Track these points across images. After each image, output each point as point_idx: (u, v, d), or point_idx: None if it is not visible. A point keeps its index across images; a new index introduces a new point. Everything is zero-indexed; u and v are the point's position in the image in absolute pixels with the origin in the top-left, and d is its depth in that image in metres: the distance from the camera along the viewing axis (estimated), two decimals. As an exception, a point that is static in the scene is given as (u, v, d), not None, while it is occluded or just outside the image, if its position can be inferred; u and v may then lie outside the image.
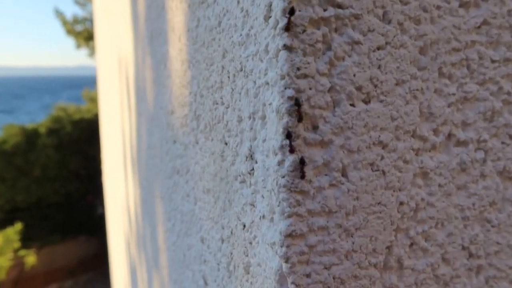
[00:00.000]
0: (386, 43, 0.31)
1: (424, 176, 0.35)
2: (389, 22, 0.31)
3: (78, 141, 11.19)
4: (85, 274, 10.57)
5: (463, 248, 0.38)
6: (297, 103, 0.29)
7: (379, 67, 0.31)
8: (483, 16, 0.34)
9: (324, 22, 0.29)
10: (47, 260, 10.20)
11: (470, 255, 0.39)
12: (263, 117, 0.34)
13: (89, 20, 12.37)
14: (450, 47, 0.33)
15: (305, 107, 0.30)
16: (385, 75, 0.31)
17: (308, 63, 0.29)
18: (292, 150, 0.30)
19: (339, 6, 0.29)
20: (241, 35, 0.38)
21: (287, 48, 0.29)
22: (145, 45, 1.11)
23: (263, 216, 0.35)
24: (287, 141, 0.30)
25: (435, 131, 0.34)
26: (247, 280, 0.41)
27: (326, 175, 0.31)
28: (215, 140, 0.49)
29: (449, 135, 0.35)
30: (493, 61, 0.36)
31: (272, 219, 0.33)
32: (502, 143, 0.38)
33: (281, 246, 0.31)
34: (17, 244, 8.84)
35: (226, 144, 0.45)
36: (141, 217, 1.56)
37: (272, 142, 0.32)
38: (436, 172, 0.35)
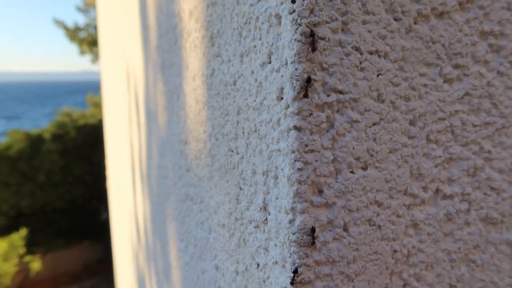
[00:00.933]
0: (380, 119, 0.37)
1: (415, 227, 0.41)
2: (383, 101, 0.36)
3: (83, 146, 11.27)
4: (89, 280, 10.62)
5: (451, 286, 0.44)
6: (306, 173, 0.35)
7: (374, 139, 0.37)
8: (465, 89, 0.40)
9: (327, 105, 0.35)
10: (52, 265, 10.27)
11: (457, 292, 0.44)
12: (276, 177, 0.40)
13: (92, 26, 12.48)
14: (436, 117, 0.39)
15: (312, 176, 0.35)
16: (379, 145, 0.37)
17: (315, 140, 0.35)
18: (303, 211, 0.35)
19: (340, 92, 0.35)
20: (255, 101, 0.43)
21: (297, 128, 0.34)
22: (157, 71, 1.17)
23: (276, 262, 0.40)
24: (298, 205, 0.35)
25: (424, 188, 0.40)
26: (261, 313, 0.46)
27: (330, 230, 0.37)
28: (230, 183, 0.55)
29: (437, 191, 0.41)
30: (474, 126, 0.41)
31: (284, 266, 0.39)
32: (485, 194, 0.44)
33: (292, 292, 0.37)
34: (22, 250, 8.91)
35: (241, 189, 0.51)
36: (151, 231, 1.61)
37: (284, 202, 0.37)
38: (425, 222, 0.41)
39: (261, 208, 0.43)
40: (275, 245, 0.40)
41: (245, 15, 0.45)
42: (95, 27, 11.20)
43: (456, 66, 0.39)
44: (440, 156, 0.40)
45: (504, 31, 0.40)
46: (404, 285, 0.41)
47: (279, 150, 0.38)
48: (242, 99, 0.47)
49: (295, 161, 0.35)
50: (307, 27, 0.33)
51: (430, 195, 0.40)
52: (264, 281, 0.45)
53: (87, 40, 12.10)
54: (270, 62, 0.39)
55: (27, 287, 9.97)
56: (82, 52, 12.24)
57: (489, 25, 0.39)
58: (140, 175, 1.83)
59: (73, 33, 11.93)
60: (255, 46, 0.43)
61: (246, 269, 0.50)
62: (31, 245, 9.69)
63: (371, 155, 0.37)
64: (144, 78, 1.43)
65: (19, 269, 9.37)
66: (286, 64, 0.35)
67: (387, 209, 0.38)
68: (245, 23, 0.45)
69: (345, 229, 0.37)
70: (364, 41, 0.35)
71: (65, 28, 11.90)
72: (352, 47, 0.34)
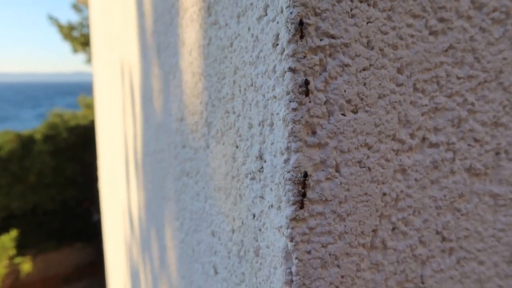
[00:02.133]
0: (370, 65, 0.39)
1: (403, 172, 0.43)
2: (372, 48, 0.39)
3: (74, 147, 11.19)
4: (80, 282, 10.51)
5: (437, 232, 0.46)
6: (301, 112, 0.37)
7: (364, 84, 0.39)
8: (449, 42, 0.42)
9: (320, 49, 0.37)
10: (43, 267, 10.15)
11: (443, 239, 0.47)
12: (271, 124, 0.42)
13: (85, 26, 12.41)
14: (422, 67, 0.41)
15: (305, 117, 0.37)
16: (369, 90, 0.39)
17: (309, 82, 0.37)
18: (298, 150, 0.37)
19: (332, 37, 0.37)
20: (251, 56, 0.45)
21: (292, 70, 0.36)
22: (152, 56, 1.18)
23: (272, 206, 0.42)
24: (293, 144, 0.38)
25: (411, 135, 0.42)
26: (257, 262, 0.48)
27: (323, 170, 0.39)
28: (226, 144, 0.57)
29: (423, 139, 0.43)
30: (458, 78, 0.44)
31: (279, 207, 0.41)
32: (468, 145, 0.46)
33: (287, 228, 0.39)
34: (12, 252, 8.81)
35: (237, 147, 0.53)
36: (145, 219, 1.62)
37: (279, 144, 0.40)
38: (412, 168, 0.43)
39: (257, 158, 0.45)
40: (271, 189, 0.42)
41: (242, -25, 0.47)
42: (88, 26, 11.15)
43: (441, 20, 0.41)
44: (426, 105, 0.42)
45: (486, -12, 0.43)
46: (393, 228, 0.44)
47: (275, 97, 0.40)
48: (239, 58, 0.49)
49: (290, 101, 0.37)
50: (301, -27, 0.35)
51: (417, 142, 0.43)
52: (260, 230, 0.47)
53: (80, 39, 12.04)
54: (266, 15, 0.41)
55: (17, 289, 9.82)
56: (76, 51, 12.16)
57: (471, -18, 0.42)
58: (134, 165, 1.83)
59: (67, 31, 11.87)
60: (251, 4, 0.45)
61: (242, 223, 0.52)
62: (22, 247, 9.58)
63: (361, 99, 0.39)
64: (139, 67, 1.45)
65: (9, 271, 9.25)
66: (282, 11, 0.37)
67: (377, 152, 0.41)
68: (242, -17, 0.47)
69: (337, 170, 0.40)
70: (354, -11, 0.37)
71: (59, 26, 11.83)
72: (343, -6, 0.37)
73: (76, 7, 12.32)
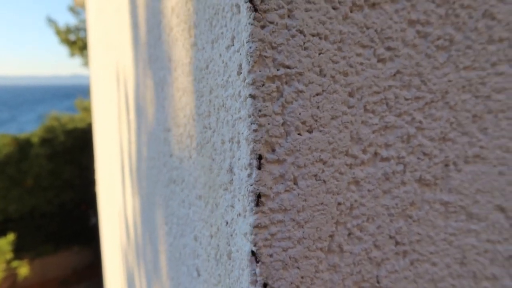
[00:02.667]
0: (323, 90, 0.44)
1: (356, 183, 0.48)
2: (324, 76, 0.44)
3: (72, 150, 11.20)
4: (78, 285, 10.52)
5: (390, 237, 0.51)
6: (261, 133, 0.42)
7: (318, 107, 0.44)
8: (396, 68, 0.48)
9: (277, 78, 0.42)
10: (40, 271, 10.16)
11: (397, 243, 0.52)
12: (238, 142, 0.47)
13: (82, 29, 12.44)
14: (372, 90, 0.47)
15: (265, 137, 0.43)
16: (322, 112, 0.44)
17: (267, 106, 0.42)
18: (259, 167, 0.43)
19: (288, 67, 0.42)
20: (222, 79, 0.51)
21: (252, 96, 0.42)
22: (144, 66, 1.24)
23: (239, 214, 0.48)
24: (254, 161, 0.43)
25: (363, 151, 0.48)
26: (229, 264, 0.53)
27: (282, 183, 0.44)
28: (205, 156, 0.62)
29: (375, 153, 0.49)
30: (406, 99, 0.49)
31: (245, 216, 0.46)
32: (418, 158, 0.51)
33: (251, 234, 0.44)
34: (9, 255, 8.82)
35: (213, 160, 0.58)
36: (140, 224, 1.67)
37: (244, 160, 0.45)
38: (365, 180, 0.48)
39: (227, 171, 0.51)
40: (238, 199, 0.48)
41: (214, 7, 0.52)
42: (85, 30, 11.20)
43: (388, 48, 0.47)
44: (376, 124, 0.48)
45: (430, 20, 0.48)
46: (349, 234, 0.49)
47: (240, 118, 0.45)
48: (213, 80, 0.54)
49: (251, 123, 0.42)
50: (259, 13, 0.40)
51: (369, 156, 0.48)
52: (231, 235, 0.52)
53: (77, 43, 12.07)
54: (233, 45, 0.47)
55: (15, 292, 9.82)
56: (73, 54, 12.19)
57: (416, 15, 0.48)
58: (129, 171, 1.88)
59: (64, 36, 11.89)
60: (222, 33, 0.50)
61: (218, 229, 0.57)
62: (19, 250, 9.58)
63: (316, 120, 0.44)
64: (133, 75, 1.50)
65: (7, 274, 9.24)
66: (243, 44, 0.43)
67: (331, 166, 0.46)
68: (214, 14, 0.52)
69: (295, 182, 0.45)
70: (306, 25, 0.42)
71: (57, 30, 11.85)
72: (296, 30, 0.42)
73: (73, 10, 12.34)
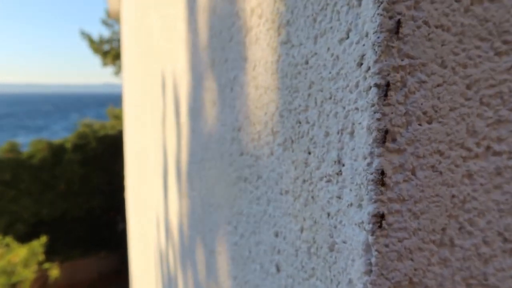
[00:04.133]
0: (443, 81, 0.45)
1: (469, 177, 0.48)
2: (445, 67, 0.44)
3: (102, 157, 11.50)
4: (104, 289, 10.67)
5: (499, 233, 0.51)
6: (384, 125, 0.43)
7: (438, 98, 0.44)
8: (511, 61, 0.48)
9: (401, 68, 0.43)
10: (69, 274, 10.38)
11: (505, 240, 0.51)
12: (351, 132, 0.48)
13: (115, 40, 12.86)
14: (488, 84, 0.47)
15: (388, 126, 0.43)
16: (442, 103, 0.45)
17: (391, 96, 0.43)
18: (380, 155, 0.43)
19: (412, 58, 0.43)
20: (330, 72, 0.52)
21: (377, 86, 0.43)
22: (204, 69, 1.27)
23: (350, 204, 0.48)
24: (376, 149, 0.43)
25: (477, 144, 0.47)
26: (330, 256, 0.54)
27: (401, 173, 0.45)
28: (297, 151, 0.63)
29: (488, 147, 0.48)
30: (519, 93, 0.49)
31: (360, 205, 0.46)
32: (528, 154, 0.51)
33: (369, 223, 0.45)
34: (41, 257, 9.08)
35: (309, 153, 0.59)
36: (187, 227, 1.69)
37: (361, 150, 0.45)
38: (478, 174, 0.48)
39: (335, 162, 0.51)
40: (350, 190, 0.48)
41: (321, 3, 0.54)
42: (118, 40, 11.57)
43: (505, 42, 0.47)
44: (491, 117, 0.48)
45: (545, 14, 0.48)
46: (460, 228, 0.49)
47: (357, 108, 0.46)
48: (316, 74, 0.56)
49: (375, 112, 0.43)
50: (387, 4, 0.41)
51: (482, 150, 0.48)
52: (335, 227, 0.52)
53: (110, 52, 12.48)
54: (348, 37, 0.48)
55: (44, 294, 10.06)
56: (105, 64, 12.61)
57: (532, 9, 0.47)
58: (176, 175, 1.92)
59: (97, 46, 12.33)
60: (331, 27, 0.51)
61: (315, 222, 0.58)
62: (50, 253, 9.83)
63: (435, 111, 0.45)
64: (187, 80, 1.54)
65: (38, 275, 9.49)
66: (367, 35, 0.44)
67: (447, 158, 0.46)
68: (320, 9, 0.54)
69: (413, 173, 0.45)
70: (431, 16, 0.43)
71: (90, 40, 12.30)
72: (422, 21, 0.43)
73: (106, 22, 12.81)
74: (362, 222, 0.46)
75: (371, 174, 0.44)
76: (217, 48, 1.11)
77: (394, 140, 0.44)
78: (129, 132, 5.16)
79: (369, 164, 0.44)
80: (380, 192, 0.44)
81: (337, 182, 0.51)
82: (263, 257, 0.81)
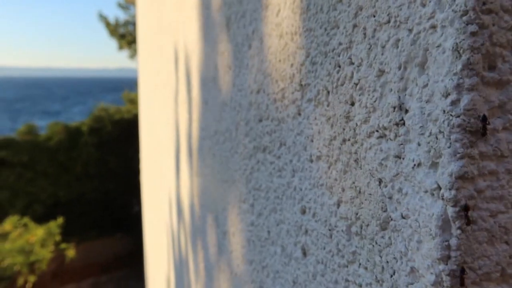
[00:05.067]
0: None
1: None
2: None
3: (118, 140, 11.55)
4: (119, 271, 10.84)
5: None
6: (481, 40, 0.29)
7: (561, 6, 0.30)
8: None
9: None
10: (84, 255, 10.55)
11: None
12: (423, 63, 0.34)
13: (131, 23, 12.79)
14: None
15: (486, 44, 0.29)
16: None
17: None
18: (472, 88, 0.29)
19: None
20: None
21: (474, -18, 0.28)
22: (218, 32, 1.13)
23: (418, 164, 0.34)
24: (466, 80, 0.29)
25: None
26: (382, 237, 0.40)
27: (500, 117, 0.31)
28: (334, 104, 0.49)
29: None
30: None
31: (434, 164, 0.33)
32: None
33: (450, 189, 0.31)
34: (58, 238, 9.22)
35: (353, 104, 0.45)
36: (199, 206, 1.58)
37: (441, 84, 0.31)
38: None
39: (394, 108, 0.37)
40: (418, 144, 0.34)
41: None
42: (134, 24, 11.49)
43: None
44: None
45: None
46: None
47: (433, 27, 0.32)
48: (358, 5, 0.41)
49: (467, 24, 0.29)
50: None
51: None
52: (390, 197, 0.39)
53: (126, 36, 12.44)
54: None
55: (61, 274, 10.29)
56: (121, 47, 12.58)
57: None
58: (187, 152, 1.80)
59: (113, 28, 12.29)
60: None
61: (359, 192, 0.44)
62: (66, 234, 9.99)
63: (556, 26, 0.30)
64: (199, 48, 1.40)
65: (55, 255, 9.66)
66: None
67: None
68: None
69: (518, 117, 0.31)
70: None
71: (107, 23, 12.27)
72: None
73: (123, 6, 12.73)
74: (438, 188, 0.32)
75: (457, 116, 0.30)
76: (233, 3, 0.97)
77: (493, 68, 0.30)
78: (144, 115, 5.07)
79: (453, 103, 0.30)
80: (470, 143, 0.30)
81: (396, 136, 0.37)
82: (286, 238, 0.68)
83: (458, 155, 0.30)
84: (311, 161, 0.56)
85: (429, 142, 0.33)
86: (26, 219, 9.13)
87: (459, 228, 0.31)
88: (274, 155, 0.72)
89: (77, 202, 11.15)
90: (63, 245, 9.49)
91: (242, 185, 0.94)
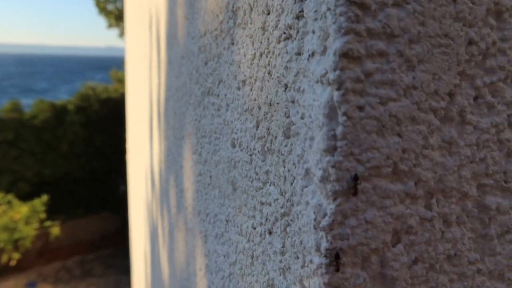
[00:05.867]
0: None
1: (498, 15, 0.31)
2: None
3: (105, 119, 11.42)
4: (106, 249, 10.86)
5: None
6: None
7: None
8: None
9: None
10: (71, 233, 10.53)
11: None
12: None
13: (120, 0, 12.51)
14: None
15: None
16: None
17: None
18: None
19: None
20: None
21: None
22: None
23: (313, 54, 0.32)
24: None
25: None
26: (286, 145, 0.38)
27: (389, -9, 0.28)
28: (255, 19, 0.46)
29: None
30: None
31: (324, 48, 0.30)
32: None
33: (335, 70, 0.28)
34: (43, 215, 9.16)
35: (268, 13, 0.42)
36: (165, 170, 1.55)
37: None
38: (511, 12, 0.31)
39: (295, 1, 0.34)
40: (313, 31, 0.32)
41: None
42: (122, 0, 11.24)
43: None
44: None
45: None
46: (476, 97, 0.32)
47: None
48: None
49: None
50: None
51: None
52: (293, 101, 0.36)
53: (114, 13, 12.17)
54: None
55: (47, 252, 10.28)
56: (110, 25, 12.33)
57: None
58: (157, 120, 1.77)
59: (103, 6, 12.02)
60: None
61: (270, 104, 0.41)
62: (52, 212, 9.93)
63: None
64: (165, 8, 1.35)
65: (40, 233, 9.62)
66: None
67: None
68: None
69: (410, -8, 0.28)
70: None
71: (97, 0, 11.99)
72: None
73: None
74: (326, 73, 0.29)
75: (341, -14, 0.27)
76: None
77: None
78: (130, 93, 4.99)
79: (338, -27, 0.27)
80: (355, 17, 0.27)
81: (298, 32, 0.34)
82: (221, 178, 0.65)
83: (342, 31, 0.28)
84: (239, 88, 0.53)
85: (320, 26, 0.30)
86: (10, 197, 9.04)
87: (345, 114, 0.29)
88: (215, 94, 0.69)
89: (63, 180, 11.06)
90: (47, 223, 9.45)
91: (193, 136, 0.92)
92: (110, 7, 12.89)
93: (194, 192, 0.91)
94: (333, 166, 0.29)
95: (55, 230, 9.46)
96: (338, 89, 0.28)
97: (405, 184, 0.31)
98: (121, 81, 12.08)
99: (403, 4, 0.28)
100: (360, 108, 0.29)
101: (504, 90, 0.33)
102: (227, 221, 0.62)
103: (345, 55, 0.28)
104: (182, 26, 1.05)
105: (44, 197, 9.29)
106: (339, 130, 0.29)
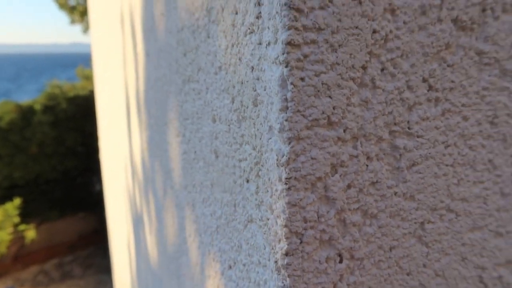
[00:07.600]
0: None
1: (392, 12, 0.45)
2: None
3: (74, 118, 11.18)
4: (84, 250, 10.76)
5: (424, 80, 0.49)
6: None
7: None
8: None
9: None
10: (47, 236, 10.35)
11: (430, 87, 0.50)
12: (269, -36, 0.44)
13: (82, -5, 12.16)
14: None
15: None
16: None
17: None
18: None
19: None
20: None
21: None
22: (152, -17, 1.19)
23: (269, 43, 0.45)
24: (288, -32, 0.40)
25: (401, -24, 0.45)
26: (255, 111, 0.51)
27: (316, -1, 0.42)
28: (226, 17, 0.59)
29: (412, -18, 0.46)
30: None
31: (276, 39, 0.44)
32: (456, -4, 0.48)
33: (283, 54, 0.42)
34: (16, 219, 8.97)
35: (236, 13, 0.55)
36: (148, 158, 1.66)
37: (276, -25, 0.42)
38: (402, 10, 0.46)
39: (255, 4, 0.48)
40: (268, 28, 0.45)
41: None
42: (85, -5, 10.94)
43: None
44: None
45: None
46: (382, 69, 0.47)
47: None
48: None
49: None
50: None
51: (406, -16, 0.45)
52: (258, 78, 0.50)
53: (77, 8, 11.84)
54: None
55: (23, 256, 10.07)
56: (73, 21, 11.98)
57: None
58: (136, 111, 1.86)
59: (63, 1, 11.65)
60: None
61: (242, 83, 0.55)
62: (26, 216, 9.72)
63: None
64: (140, 3, 1.45)
65: (14, 238, 9.41)
66: None
67: (368, -13, 0.43)
68: None
69: (330, 0, 0.42)
70: None
71: (54, -6, 11.58)
72: None
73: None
74: (278, 56, 0.43)
75: (284, -2, 0.41)
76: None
77: (308, -40, 0.41)
78: (99, 90, 4.98)
79: (282, -12, 0.41)
80: (294, 17, 0.41)
81: (258, 27, 0.48)
82: (205, 150, 0.79)
83: (286, 27, 0.41)
84: (216, 73, 0.67)
85: (273, 24, 0.44)
86: (-20, 202, 8.78)
87: (292, 84, 0.43)
88: (195, 81, 0.82)
89: (35, 183, 10.80)
90: (22, 227, 9.26)
91: (176, 121, 1.04)
92: (72, 2, 12.50)
93: (180, 169, 1.04)
94: (286, 120, 0.44)
95: (30, 233, 9.29)
96: (286, 66, 0.42)
97: (336, 131, 0.46)
98: (88, 78, 11.83)
99: (326, 8, 0.42)
100: (302, 79, 0.43)
101: (401, 63, 0.47)
102: (212, 184, 0.75)
103: (289, 43, 0.42)
104: (159, 21, 1.16)
105: (17, 201, 9.09)
106: (289, 95, 0.43)
